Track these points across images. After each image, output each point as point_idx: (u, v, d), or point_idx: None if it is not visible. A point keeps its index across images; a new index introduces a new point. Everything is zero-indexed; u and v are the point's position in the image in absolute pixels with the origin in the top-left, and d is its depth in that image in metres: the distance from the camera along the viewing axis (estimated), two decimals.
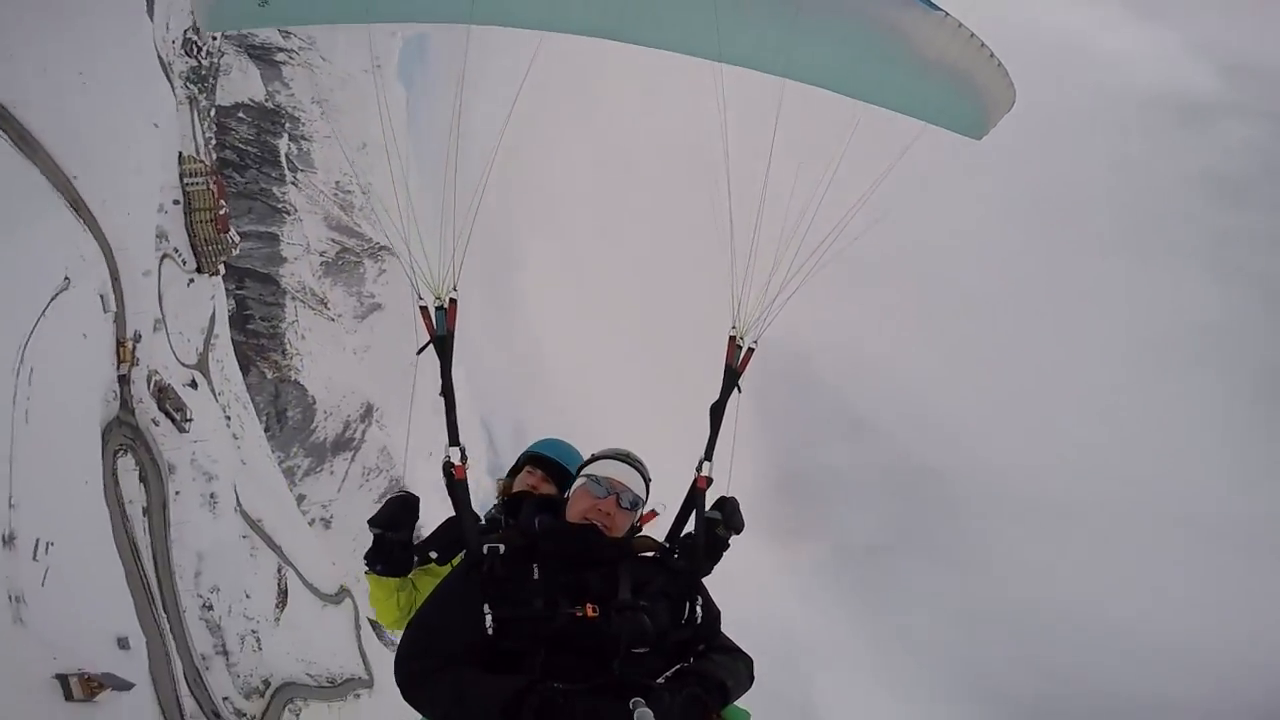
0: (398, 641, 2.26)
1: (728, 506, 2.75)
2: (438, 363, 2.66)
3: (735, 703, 2.21)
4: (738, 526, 2.73)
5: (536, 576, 2.18)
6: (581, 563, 2.24)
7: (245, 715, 31.57)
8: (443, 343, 2.67)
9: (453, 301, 2.73)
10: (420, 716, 2.12)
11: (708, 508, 2.72)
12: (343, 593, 49.80)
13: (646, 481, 2.55)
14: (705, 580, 2.61)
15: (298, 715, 33.14)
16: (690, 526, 2.69)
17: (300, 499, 70.76)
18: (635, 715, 1.76)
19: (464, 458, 2.53)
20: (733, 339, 2.89)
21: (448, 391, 2.65)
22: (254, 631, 33.99)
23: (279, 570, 40.02)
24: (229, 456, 39.50)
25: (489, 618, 2.06)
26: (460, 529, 2.47)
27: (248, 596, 35.04)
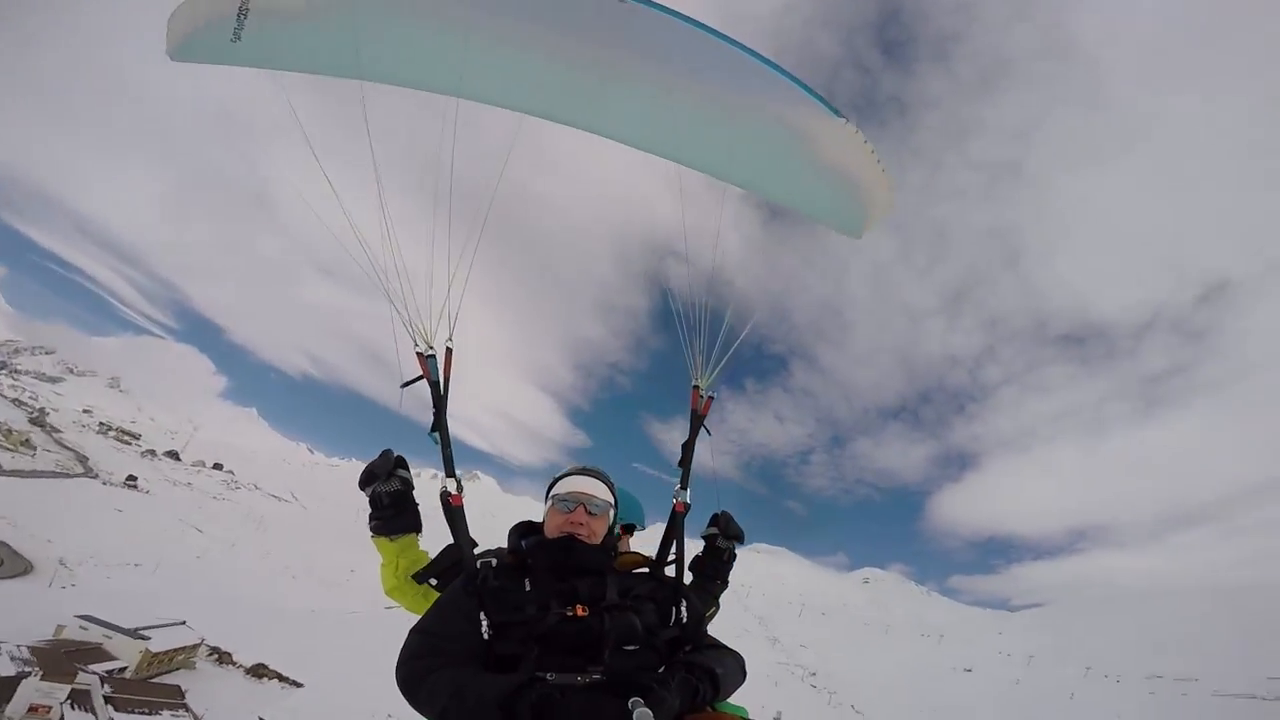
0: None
1: (721, 519, 2.96)
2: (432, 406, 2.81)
3: (730, 700, 2.29)
4: (737, 535, 2.95)
5: (529, 588, 2.29)
6: (570, 570, 2.35)
7: None
8: (437, 388, 2.81)
9: (449, 350, 2.87)
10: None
11: (705, 528, 2.96)
12: None
13: (610, 487, 2.64)
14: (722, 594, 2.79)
15: None
16: (684, 553, 2.86)
17: None
18: (635, 715, 1.77)
19: (459, 488, 2.71)
20: (696, 389, 3.15)
21: (442, 431, 2.78)
22: None
23: None
24: None
25: (485, 623, 2.18)
26: (456, 554, 2.62)
27: None
